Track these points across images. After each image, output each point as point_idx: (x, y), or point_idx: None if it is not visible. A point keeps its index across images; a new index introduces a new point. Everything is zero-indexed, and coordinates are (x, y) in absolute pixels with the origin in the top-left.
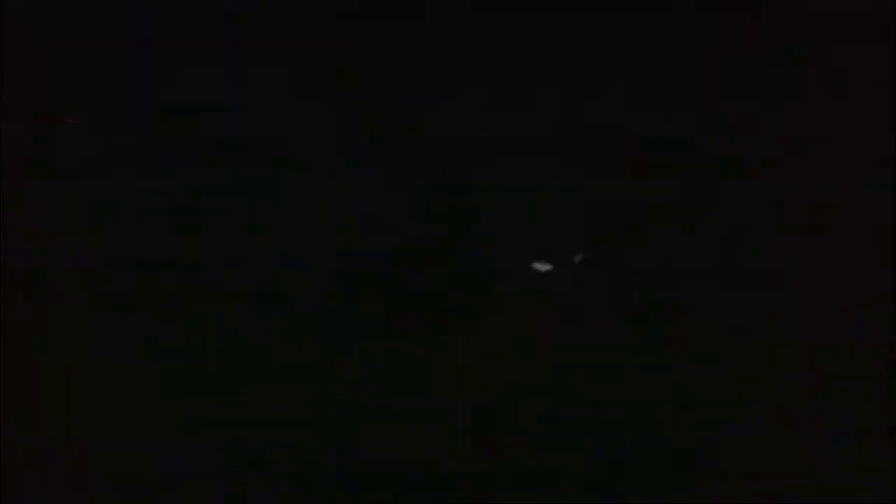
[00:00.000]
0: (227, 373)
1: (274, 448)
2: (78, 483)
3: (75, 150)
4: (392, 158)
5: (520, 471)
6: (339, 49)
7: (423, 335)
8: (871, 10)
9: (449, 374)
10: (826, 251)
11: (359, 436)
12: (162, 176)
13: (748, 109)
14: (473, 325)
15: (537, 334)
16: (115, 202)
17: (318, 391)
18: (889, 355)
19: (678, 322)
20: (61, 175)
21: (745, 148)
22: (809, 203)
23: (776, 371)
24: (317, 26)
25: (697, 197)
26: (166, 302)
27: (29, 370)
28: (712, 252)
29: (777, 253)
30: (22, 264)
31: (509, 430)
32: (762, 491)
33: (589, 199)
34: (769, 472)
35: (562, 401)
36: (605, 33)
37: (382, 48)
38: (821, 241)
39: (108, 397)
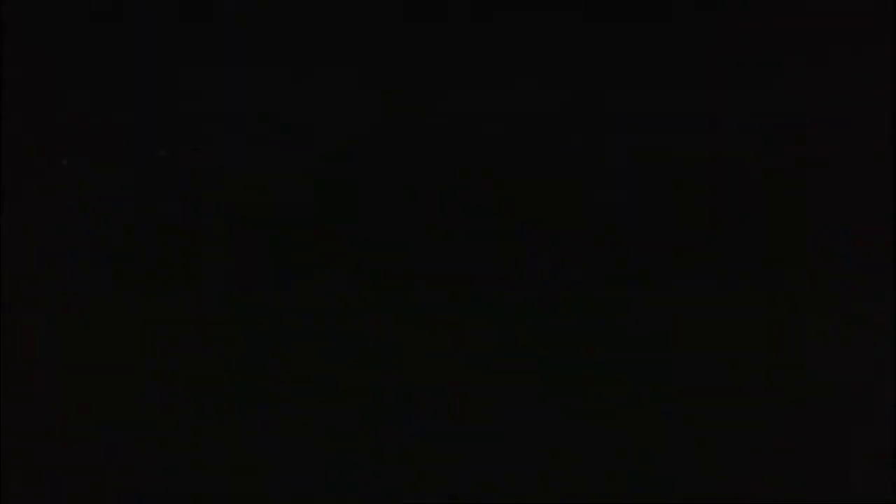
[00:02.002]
0: (226, 370)
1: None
2: (77, 483)
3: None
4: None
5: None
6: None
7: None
8: (871, 10)
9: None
10: (824, 250)
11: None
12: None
13: (747, 108)
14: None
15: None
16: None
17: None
18: (889, 354)
19: (669, 320)
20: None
21: (743, 146)
22: (808, 202)
23: (775, 371)
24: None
25: (693, 195)
26: (161, 298)
27: (29, 370)
28: (705, 250)
29: (775, 251)
30: (21, 264)
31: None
32: (762, 490)
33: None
34: (769, 472)
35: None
36: (604, 33)
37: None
38: (819, 240)
39: (102, 395)
